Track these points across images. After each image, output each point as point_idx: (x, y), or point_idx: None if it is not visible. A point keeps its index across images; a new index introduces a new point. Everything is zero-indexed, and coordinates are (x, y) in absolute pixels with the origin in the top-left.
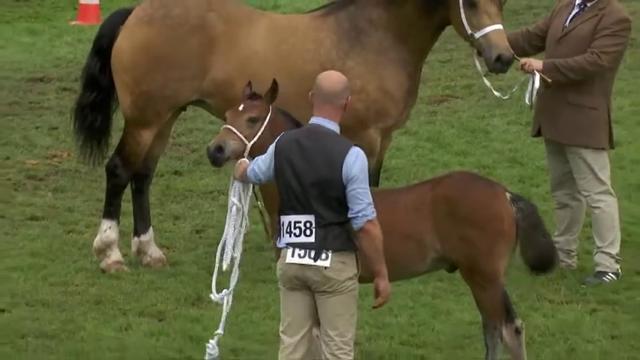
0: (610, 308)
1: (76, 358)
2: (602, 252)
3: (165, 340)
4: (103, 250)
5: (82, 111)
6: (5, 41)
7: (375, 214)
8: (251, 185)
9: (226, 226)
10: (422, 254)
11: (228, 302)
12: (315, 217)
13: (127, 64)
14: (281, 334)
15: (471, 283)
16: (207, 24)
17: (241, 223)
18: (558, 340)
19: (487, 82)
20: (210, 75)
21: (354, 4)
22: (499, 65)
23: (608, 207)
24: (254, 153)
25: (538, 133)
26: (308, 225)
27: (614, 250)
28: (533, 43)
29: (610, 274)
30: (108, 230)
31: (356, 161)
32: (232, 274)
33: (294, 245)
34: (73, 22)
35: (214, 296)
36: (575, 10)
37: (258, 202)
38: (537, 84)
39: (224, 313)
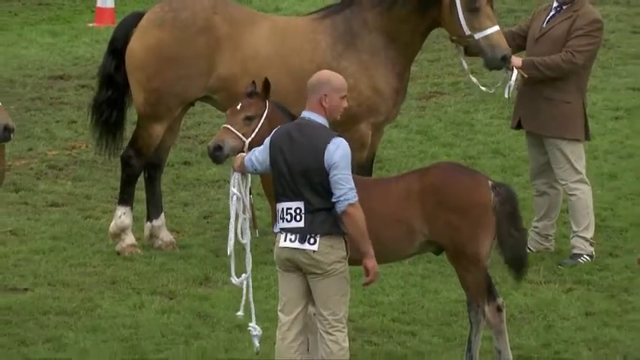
0: (584, 287)
1: (93, 334)
2: (578, 236)
3: (175, 317)
4: (118, 234)
5: (98, 107)
6: (28, 42)
7: (356, 198)
8: (249, 176)
9: (231, 216)
10: (411, 238)
11: (248, 286)
12: (305, 204)
13: (139, 63)
14: (278, 313)
15: (456, 264)
16: (213, 26)
17: (243, 210)
18: (537, 317)
19: (474, 80)
20: (216, 73)
21: (349, 8)
22: (502, 63)
23: (584, 194)
24: (253, 148)
25: (518, 126)
26: (298, 211)
27: (589, 234)
28: (516, 42)
29: (585, 256)
30: (122, 216)
31: (337, 150)
32: (246, 260)
33: (286, 230)
34: (91, 24)
35: (235, 280)
36: (552, 13)
37: (250, 196)
38: (513, 79)
39: (244, 297)
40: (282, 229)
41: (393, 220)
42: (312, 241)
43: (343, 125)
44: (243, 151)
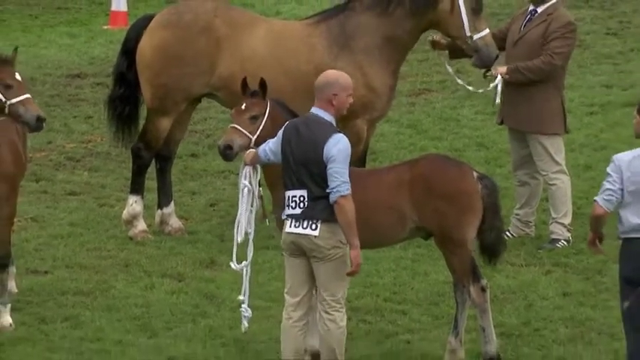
0: (562, 270)
1: (108, 312)
2: (557, 222)
3: (183, 297)
4: (131, 220)
5: (113, 103)
6: (48, 43)
7: (349, 191)
8: (259, 170)
9: (239, 206)
10: (402, 224)
11: (247, 272)
12: (307, 192)
13: (147, 61)
14: (285, 295)
15: (443, 248)
16: (213, 27)
17: (252, 202)
18: (518, 297)
19: (460, 81)
20: (218, 71)
21: (343, 12)
22: (494, 62)
23: (563, 184)
24: (259, 144)
25: (502, 122)
26: (301, 199)
27: (567, 220)
28: (497, 44)
29: (562, 240)
30: (134, 204)
31: (336, 144)
32: (248, 248)
33: (291, 216)
34: (106, 27)
35: (235, 266)
36: (529, 17)
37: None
38: (497, 83)
39: (244, 282)
40: (288, 216)
41: (386, 208)
42: (313, 226)
43: (341, 121)
44: (250, 148)
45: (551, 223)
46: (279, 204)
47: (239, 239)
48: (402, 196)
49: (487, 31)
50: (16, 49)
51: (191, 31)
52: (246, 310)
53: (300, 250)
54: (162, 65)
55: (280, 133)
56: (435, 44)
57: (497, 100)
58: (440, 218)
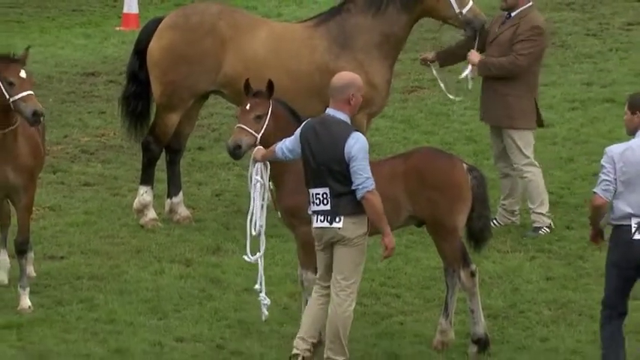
0: (545, 256)
1: (120, 296)
2: (535, 212)
3: (191, 281)
4: (141, 209)
5: (126, 100)
6: (64, 43)
7: (373, 186)
8: (269, 165)
9: (252, 200)
10: (397, 212)
11: (261, 263)
12: (329, 189)
13: (156, 60)
14: (317, 280)
15: (434, 235)
16: (218, 29)
17: (264, 196)
18: (504, 281)
19: (442, 86)
20: (223, 70)
21: (340, 14)
22: (483, 28)
23: (534, 176)
24: (263, 142)
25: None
26: (325, 196)
27: (544, 209)
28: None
29: (544, 228)
30: (145, 194)
31: (356, 143)
32: (261, 240)
33: (317, 212)
34: (118, 28)
35: (249, 258)
36: (504, 20)
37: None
38: (467, 72)
39: (260, 272)
40: (314, 212)
41: (382, 197)
42: (337, 220)
43: None
44: (256, 146)
45: (531, 213)
46: (282, 195)
47: (253, 232)
48: (397, 186)
49: (471, 3)
50: (27, 48)
51: (197, 32)
52: (264, 299)
53: (328, 242)
54: (171, 64)
55: (298, 133)
56: (425, 61)
57: (470, 87)
58: (432, 207)
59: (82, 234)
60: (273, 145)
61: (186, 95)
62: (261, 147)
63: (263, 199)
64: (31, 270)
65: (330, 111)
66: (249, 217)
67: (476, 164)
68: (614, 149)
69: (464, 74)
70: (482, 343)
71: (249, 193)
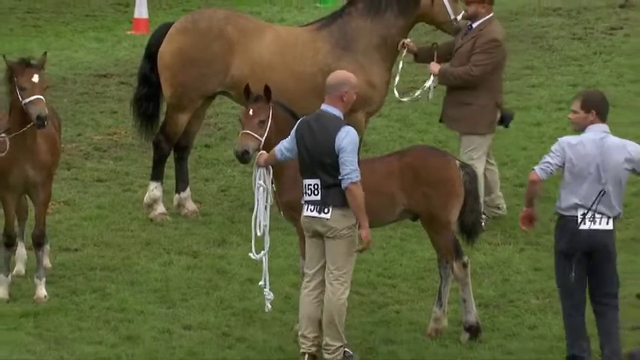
0: (534, 248)
1: (131, 286)
2: None
3: (198, 272)
4: (151, 204)
5: (138, 101)
6: (78, 46)
7: (358, 178)
8: (271, 170)
9: (256, 203)
10: (392, 207)
11: (266, 260)
12: (320, 181)
13: (167, 63)
14: (304, 268)
15: (428, 229)
16: (226, 34)
17: (267, 199)
18: (495, 272)
19: (397, 93)
20: (231, 72)
21: (341, 18)
22: None
23: None
24: (266, 144)
25: (441, 121)
26: (316, 187)
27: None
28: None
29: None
30: (154, 189)
31: (346, 136)
32: (265, 239)
33: (308, 202)
34: (129, 32)
35: (254, 256)
36: (466, 31)
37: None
38: (429, 82)
39: (264, 269)
40: (305, 202)
41: (378, 193)
42: (326, 210)
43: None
44: (260, 149)
45: None
46: (282, 190)
47: (258, 233)
48: (393, 182)
49: (463, 12)
50: (45, 53)
51: (206, 36)
52: (268, 294)
53: (316, 232)
54: (181, 67)
55: (294, 130)
56: (406, 47)
57: (431, 96)
58: (426, 202)
59: (95, 227)
60: (273, 149)
61: (195, 96)
62: (264, 152)
63: (266, 202)
64: (47, 261)
65: (324, 107)
66: (253, 218)
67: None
68: (567, 139)
69: (427, 84)
70: (473, 331)
71: (254, 194)
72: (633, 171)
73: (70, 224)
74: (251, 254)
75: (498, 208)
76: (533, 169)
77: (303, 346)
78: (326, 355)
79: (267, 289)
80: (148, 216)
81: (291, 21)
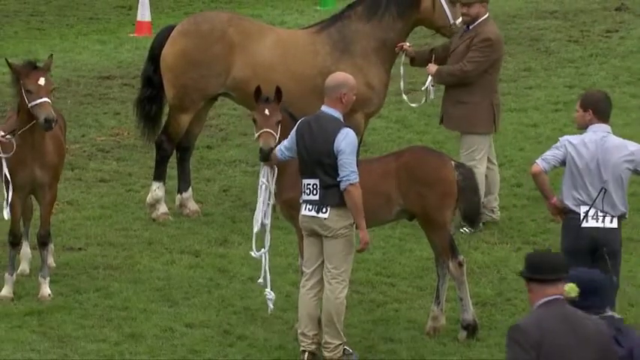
0: (530, 247)
1: (134, 284)
2: None
3: (200, 271)
4: (154, 204)
5: (141, 103)
6: (82, 49)
7: (357, 180)
8: (275, 169)
9: (258, 201)
10: (389, 207)
11: (266, 258)
12: (319, 181)
13: (169, 65)
14: (302, 267)
15: (425, 228)
16: (228, 36)
17: (269, 197)
18: (492, 271)
19: (405, 97)
20: (232, 74)
21: (341, 21)
22: None
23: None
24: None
25: (442, 123)
26: (315, 186)
27: None
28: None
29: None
30: (157, 189)
31: (345, 138)
32: (266, 237)
33: (306, 202)
34: (132, 35)
35: (254, 254)
36: (462, 32)
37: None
38: (428, 83)
39: (263, 267)
40: (304, 201)
41: (375, 193)
42: (324, 210)
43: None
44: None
45: None
46: (281, 189)
47: (255, 229)
48: (390, 182)
49: (460, 19)
50: (51, 55)
51: (208, 39)
52: (269, 294)
53: (314, 231)
54: (183, 69)
55: (294, 131)
56: (404, 51)
57: (432, 96)
58: (422, 202)
59: (98, 227)
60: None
61: (196, 97)
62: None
63: (269, 200)
64: (51, 260)
65: (324, 108)
66: (255, 216)
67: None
68: (569, 138)
69: (426, 85)
70: (471, 329)
71: (258, 192)
72: (635, 171)
73: (73, 224)
74: (252, 252)
75: (492, 212)
76: (534, 162)
77: (303, 343)
78: (325, 353)
79: (268, 289)
80: (151, 216)
81: (292, 24)
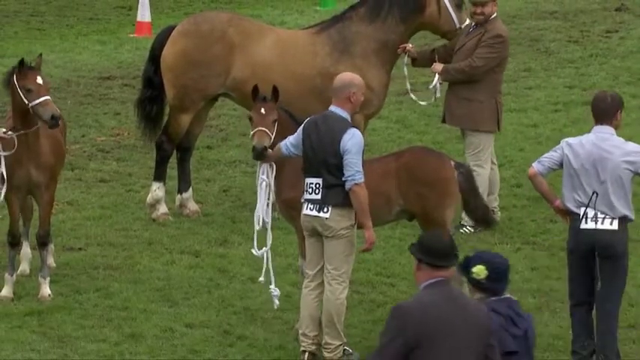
0: (530, 247)
1: (134, 285)
2: None
3: (200, 271)
4: (154, 204)
5: (142, 104)
6: (82, 49)
7: (362, 180)
8: (274, 166)
9: (258, 199)
10: (389, 207)
11: (268, 256)
12: (322, 180)
13: (170, 65)
14: (305, 268)
15: (425, 228)
16: (228, 36)
17: (269, 195)
18: None
19: (413, 97)
20: (232, 74)
21: (342, 22)
22: None
23: (478, 176)
24: (273, 144)
25: (444, 121)
26: (317, 186)
27: None
28: (451, 54)
29: (467, 227)
30: (157, 190)
31: (351, 138)
32: (267, 235)
33: (308, 201)
34: (132, 35)
35: (256, 252)
36: (471, 30)
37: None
38: (435, 82)
39: (264, 265)
40: (305, 200)
41: (375, 193)
42: (325, 209)
43: None
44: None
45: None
46: (281, 188)
47: (257, 227)
48: (389, 183)
49: (468, 19)
50: (40, 55)
51: (208, 39)
52: (275, 290)
53: (315, 231)
54: (183, 69)
55: (301, 128)
56: (406, 52)
57: (438, 94)
58: (422, 202)
59: (98, 227)
60: (277, 146)
61: (196, 98)
62: (269, 149)
63: (268, 198)
64: (51, 261)
65: (332, 108)
66: (255, 214)
67: (465, 162)
68: (568, 140)
69: (432, 84)
70: None
71: (257, 190)
72: (636, 173)
73: (73, 224)
74: (253, 250)
75: (493, 212)
76: (531, 166)
77: (304, 344)
78: (325, 354)
79: (272, 286)
80: (151, 216)
81: (292, 24)
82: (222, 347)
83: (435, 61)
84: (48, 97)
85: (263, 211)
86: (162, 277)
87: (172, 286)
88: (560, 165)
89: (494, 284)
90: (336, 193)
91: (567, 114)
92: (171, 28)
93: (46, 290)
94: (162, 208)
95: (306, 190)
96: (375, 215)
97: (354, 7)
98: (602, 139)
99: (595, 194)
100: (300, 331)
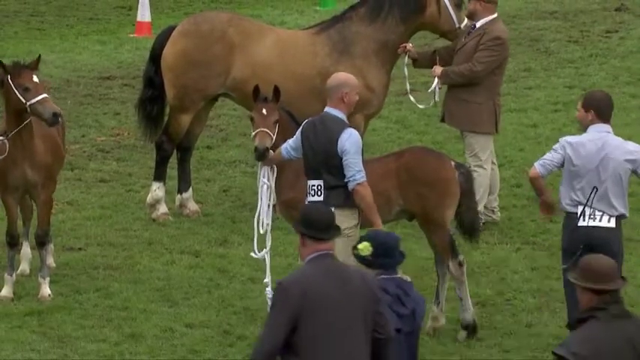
0: (530, 247)
1: (134, 285)
2: None
3: (200, 271)
4: (154, 204)
5: (143, 104)
6: (82, 49)
7: (364, 179)
8: (275, 169)
9: (259, 201)
10: (389, 207)
11: (268, 259)
12: (323, 182)
13: (170, 65)
14: None
15: (425, 228)
16: (228, 36)
17: (270, 197)
18: (492, 271)
19: (412, 99)
20: (232, 74)
21: (342, 22)
22: None
23: (479, 177)
24: (274, 144)
25: (443, 120)
26: (319, 187)
27: (480, 206)
28: (452, 54)
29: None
30: (157, 190)
31: (349, 138)
32: (267, 237)
33: (311, 203)
34: (132, 35)
35: (256, 254)
36: (469, 31)
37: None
38: (434, 85)
39: (266, 267)
40: (309, 202)
41: (375, 193)
42: None
43: None
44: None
45: None
46: (281, 189)
47: (261, 231)
48: (389, 183)
49: (466, 20)
50: (39, 56)
51: (208, 39)
52: (270, 292)
53: None
54: (183, 69)
55: (299, 131)
56: (407, 53)
57: (437, 98)
58: (422, 202)
59: (98, 227)
60: (278, 149)
61: (197, 98)
62: (270, 151)
63: (269, 200)
64: (50, 261)
65: (327, 109)
66: (256, 217)
67: (464, 162)
68: (568, 139)
69: (432, 87)
70: (470, 329)
71: (258, 193)
72: (635, 172)
73: (73, 224)
74: (252, 253)
75: (493, 212)
76: (533, 166)
77: None
78: None
79: (268, 289)
80: (151, 216)
81: (292, 24)
82: (222, 347)
83: (436, 63)
84: (46, 95)
85: (264, 213)
86: (162, 277)
87: (172, 286)
88: (562, 165)
89: (380, 259)
90: (338, 194)
91: (567, 114)
92: (171, 28)
93: (46, 290)
94: (162, 208)
95: (309, 192)
96: None
97: (354, 8)
98: (603, 138)
99: (595, 189)
100: None
